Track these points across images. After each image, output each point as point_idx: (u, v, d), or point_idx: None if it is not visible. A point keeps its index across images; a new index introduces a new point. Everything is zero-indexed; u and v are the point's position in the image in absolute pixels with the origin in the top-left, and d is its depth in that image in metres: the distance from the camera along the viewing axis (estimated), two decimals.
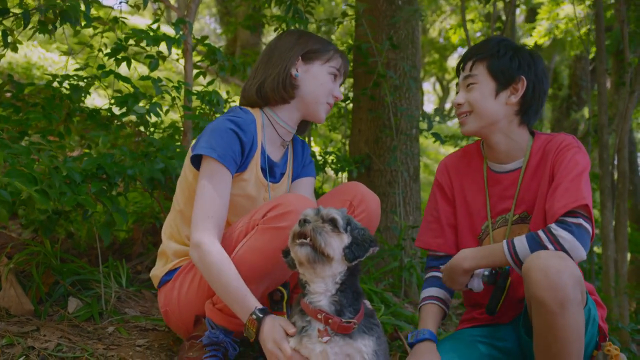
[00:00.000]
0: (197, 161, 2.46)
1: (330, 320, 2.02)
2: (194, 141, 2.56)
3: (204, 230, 2.31)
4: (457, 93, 2.62)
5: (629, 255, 5.56)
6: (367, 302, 2.20)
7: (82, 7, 3.53)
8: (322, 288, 2.04)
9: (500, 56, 2.47)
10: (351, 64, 5.11)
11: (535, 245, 2.22)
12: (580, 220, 2.25)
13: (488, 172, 2.62)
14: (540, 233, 2.24)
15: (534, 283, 2.06)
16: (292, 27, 4.36)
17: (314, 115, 2.68)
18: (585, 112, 12.43)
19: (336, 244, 2.00)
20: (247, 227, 2.36)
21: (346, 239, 2.03)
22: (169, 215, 2.68)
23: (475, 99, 2.50)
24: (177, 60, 4.01)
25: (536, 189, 2.47)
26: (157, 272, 2.65)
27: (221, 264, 2.24)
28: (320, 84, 2.62)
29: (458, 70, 2.64)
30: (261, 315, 2.15)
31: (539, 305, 2.07)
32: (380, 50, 4.49)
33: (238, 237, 2.38)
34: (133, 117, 3.82)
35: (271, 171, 2.63)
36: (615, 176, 6.06)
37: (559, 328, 2.06)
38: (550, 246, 2.20)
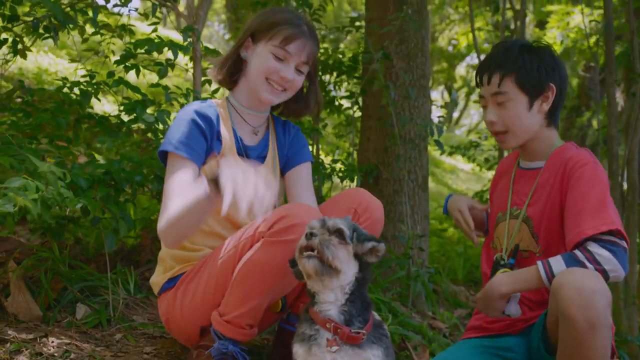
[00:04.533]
0: (164, 157, 2.47)
1: (339, 330, 2.01)
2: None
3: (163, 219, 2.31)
4: (482, 107, 2.59)
5: (638, 267, 5.53)
6: (375, 313, 2.19)
7: (90, 14, 3.57)
8: (331, 298, 2.03)
9: (528, 68, 2.43)
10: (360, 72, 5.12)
11: (574, 264, 2.16)
12: (616, 239, 2.20)
13: (517, 168, 2.65)
14: (578, 253, 2.19)
15: (566, 300, 2.03)
16: None
17: (257, 95, 2.58)
18: (593, 120, 12.39)
19: (344, 255, 2.00)
20: (252, 239, 2.33)
21: (352, 249, 2.02)
22: None
23: (510, 117, 2.47)
24: (186, 66, 4.01)
25: (543, 194, 2.46)
26: (157, 279, 2.62)
27: (173, 214, 2.24)
28: (260, 64, 2.52)
29: (479, 81, 2.56)
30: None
31: (570, 323, 2.03)
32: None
33: (243, 249, 2.35)
34: (141, 124, 3.83)
35: (246, 155, 2.59)
36: (625, 187, 6.03)
37: (588, 348, 2.02)
38: (589, 265, 2.15)
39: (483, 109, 2.59)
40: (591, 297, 2.00)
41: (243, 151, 2.58)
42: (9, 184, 2.46)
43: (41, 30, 3.55)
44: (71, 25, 3.53)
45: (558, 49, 9.31)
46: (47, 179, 2.60)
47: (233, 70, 2.63)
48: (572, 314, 2.02)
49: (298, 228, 2.19)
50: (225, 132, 2.55)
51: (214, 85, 4.19)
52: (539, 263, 2.23)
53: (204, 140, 2.46)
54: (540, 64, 2.45)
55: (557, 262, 2.19)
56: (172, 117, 3.75)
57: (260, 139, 2.67)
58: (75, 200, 2.69)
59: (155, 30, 3.71)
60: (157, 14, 4.01)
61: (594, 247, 2.18)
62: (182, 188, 2.31)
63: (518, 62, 2.44)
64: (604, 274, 2.13)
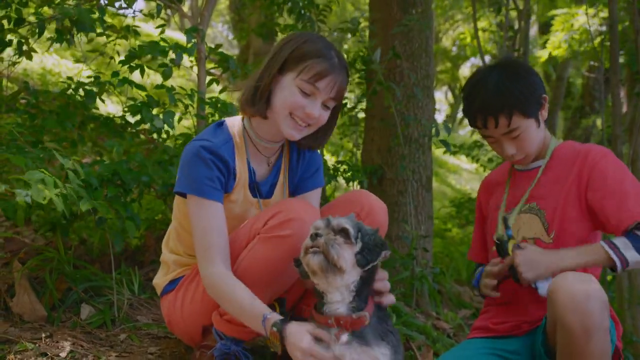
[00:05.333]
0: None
1: (342, 322, 2.02)
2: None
3: (206, 262, 2.29)
4: (491, 143, 2.57)
5: None
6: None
7: (96, 14, 3.57)
8: (338, 297, 2.04)
9: (525, 97, 2.44)
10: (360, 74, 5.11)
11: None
12: None
13: (513, 172, 2.67)
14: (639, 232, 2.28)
15: (561, 306, 2.05)
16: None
17: (279, 129, 2.41)
18: (597, 120, 12.38)
19: (348, 255, 2.00)
20: (249, 237, 2.34)
21: (358, 247, 2.03)
22: (170, 225, 2.66)
23: (527, 144, 2.50)
24: (191, 67, 4.02)
25: (554, 188, 2.49)
26: (160, 280, 2.64)
27: (231, 292, 2.23)
28: (285, 98, 2.34)
29: (482, 126, 2.51)
30: (281, 325, 2.08)
31: (565, 329, 2.05)
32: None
33: (239, 248, 2.35)
34: (146, 125, 3.84)
35: (258, 190, 2.54)
36: None
37: (584, 354, 2.04)
38: None
39: (492, 144, 2.58)
40: (584, 302, 2.02)
41: (255, 186, 2.53)
42: (30, 176, 2.48)
43: (53, 34, 3.56)
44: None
45: (562, 52, 9.29)
46: (65, 175, 2.62)
47: (253, 101, 2.44)
48: (567, 320, 2.04)
49: (293, 223, 2.20)
50: (240, 167, 2.46)
51: (220, 87, 4.22)
52: (601, 242, 2.29)
53: (220, 180, 2.38)
54: (529, 85, 2.47)
55: (621, 242, 2.27)
56: (176, 117, 3.76)
57: (272, 168, 2.59)
58: (89, 201, 2.71)
59: (162, 32, 3.71)
60: (163, 15, 4.02)
61: None
62: (220, 234, 2.32)
63: (514, 96, 2.43)
64: None
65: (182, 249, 2.56)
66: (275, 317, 2.12)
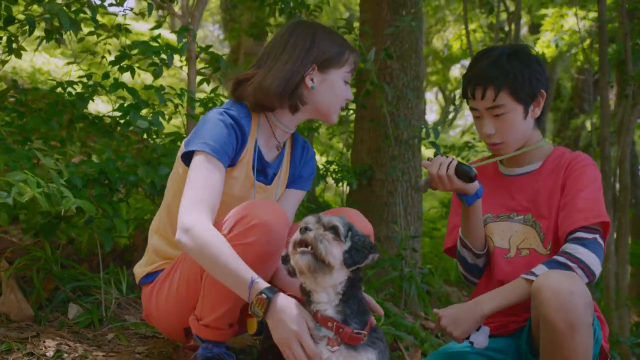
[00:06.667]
0: (188, 157, 2.33)
1: (341, 330, 2.01)
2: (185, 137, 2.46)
3: (196, 212, 2.16)
4: (474, 117, 2.55)
5: (629, 268, 5.56)
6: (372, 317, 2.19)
7: (89, 13, 3.56)
8: (325, 298, 2.03)
9: (519, 79, 2.41)
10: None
11: (557, 267, 2.21)
12: (596, 236, 2.27)
13: (499, 175, 2.64)
14: (557, 257, 2.25)
15: (545, 303, 2.05)
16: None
17: (325, 120, 2.58)
18: (587, 121, 12.45)
19: (337, 252, 1.99)
20: None
21: (347, 246, 2.02)
22: (159, 210, 2.59)
23: (507, 128, 2.46)
24: (181, 67, 4.02)
25: (549, 198, 2.47)
26: (139, 270, 2.56)
27: (219, 244, 2.10)
28: (336, 93, 2.49)
29: (471, 95, 2.49)
30: (271, 295, 2.00)
31: (549, 326, 2.06)
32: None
33: None
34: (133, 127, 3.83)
35: (263, 172, 2.52)
36: (617, 189, 6.06)
37: (569, 350, 2.04)
38: (571, 265, 2.21)
39: (475, 120, 2.56)
40: (569, 298, 2.02)
41: (262, 166, 2.50)
42: (12, 177, 2.47)
43: (42, 33, 3.54)
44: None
45: (552, 52, 9.34)
46: (47, 174, 2.61)
47: (290, 97, 2.45)
48: (551, 317, 2.04)
49: (258, 228, 2.13)
50: (249, 144, 2.45)
51: (211, 87, 4.21)
52: (522, 275, 2.27)
53: (233, 149, 2.37)
54: (530, 71, 2.44)
55: (540, 270, 2.23)
56: (166, 117, 3.75)
57: (278, 154, 2.59)
58: (72, 200, 2.69)
59: (159, 36, 3.69)
60: (155, 14, 4.00)
61: (570, 247, 2.25)
62: (215, 194, 2.25)
63: (510, 74, 2.40)
64: (588, 269, 2.20)
65: (171, 230, 2.42)
66: (264, 283, 2.05)
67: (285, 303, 2.01)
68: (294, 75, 2.41)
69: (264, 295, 2.01)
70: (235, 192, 2.43)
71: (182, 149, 2.40)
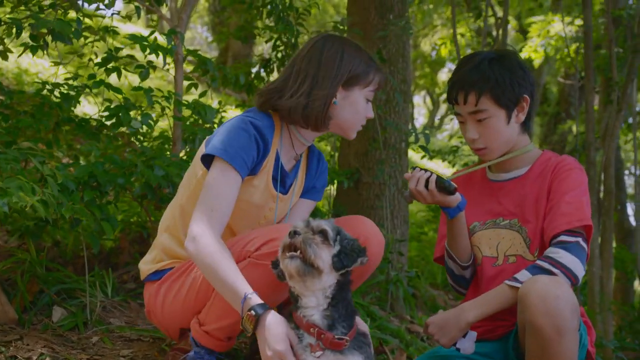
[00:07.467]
0: (208, 159, 2.36)
1: (322, 336, 2.01)
2: (207, 137, 2.49)
3: (205, 222, 2.22)
4: (459, 122, 2.56)
5: (614, 272, 5.60)
6: (363, 323, 2.20)
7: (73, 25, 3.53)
8: (313, 302, 2.03)
9: (501, 83, 2.41)
10: None
11: (539, 273, 2.22)
12: (579, 240, 2.29)
13: (486, 181, 2.64)
14: (539, 262, 2.26)
15: (531, 308, 2.06)
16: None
17: (344, 135, 2.60)
18: (573, 126, 12.54)
19: (326, 255, 2.00)
20: (239, 256, 2.29)
21: (336, 250, 2.03)
22: (168, 208, 2.60)
23: (490, 134, 2.46)
24: (167, 70, 4.01)
25: (533, 200, 2.48)
26: (145, 267, 2.57)
27: (220, 256, 2.15)
28: (358, 110, 2.49)
29: (454, 100, 2.51)
30: (260, 312, 2.04)
31: (535, 330, 2.07)
32: None
33: None
34: (124, 128, 3.81)
35: (282, 181, 2.54)
36: (602, 193, 6.10)
37: (555, 355, 2.06)
38: (554, 270, 2.22)
39: (460, 125, 2.57)
40: (555, 303, 2.04)
41: (281, 177, 2.52)
42: (7, 184, 2.46)
43: (28, 40, 3.52)
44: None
45: (539, 57, 9.40)
46: (40, 178, 2.60)
47: (323, 117, 2.46)
48: (538, 322, 2.05)
49: None
50: (270, 156, 2.47)
51: (199, 90, 4.21)
52: (506, 281, 2.29)
53: (253, 160, 2.39)
54: (512, 76, 2.44)
55: (523, 276, 2.25)
56: (154, 118, 3.74)
57: (295, 163, 2.62)
58: (69, 206, 2.69)
59: (155, 40, 3.67)
60: (154, 16, 3.99)
61: (552, 252, 2.27)
62: (228, 205, 2.29)
63: (492, 78, 2.41)
64: (571, 273, 2.22)
65: (182, 231, 2.44)
66: (256, 299, 2.07)
67: (273, 320, 2.04)
68: (329, 98, 2.42)
69: (253, 312, 2.05)
70: (255, 200, 2.46)
71: (202, 149, 2.42)
